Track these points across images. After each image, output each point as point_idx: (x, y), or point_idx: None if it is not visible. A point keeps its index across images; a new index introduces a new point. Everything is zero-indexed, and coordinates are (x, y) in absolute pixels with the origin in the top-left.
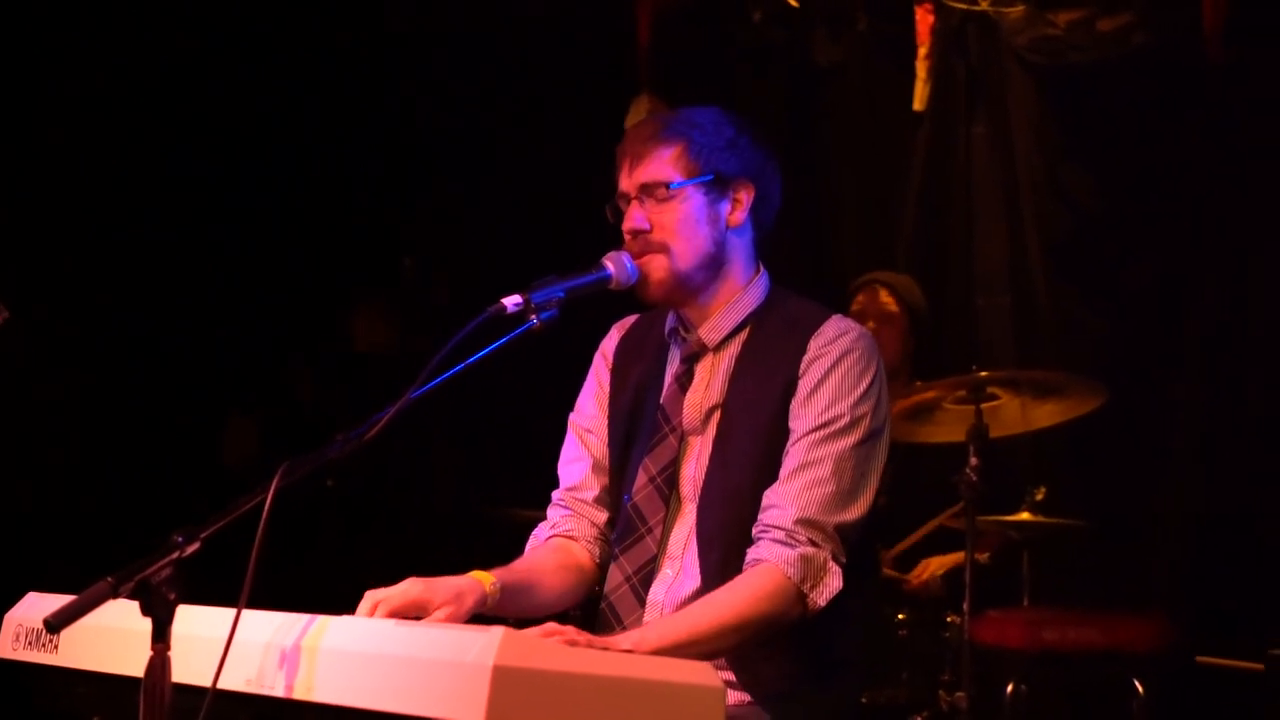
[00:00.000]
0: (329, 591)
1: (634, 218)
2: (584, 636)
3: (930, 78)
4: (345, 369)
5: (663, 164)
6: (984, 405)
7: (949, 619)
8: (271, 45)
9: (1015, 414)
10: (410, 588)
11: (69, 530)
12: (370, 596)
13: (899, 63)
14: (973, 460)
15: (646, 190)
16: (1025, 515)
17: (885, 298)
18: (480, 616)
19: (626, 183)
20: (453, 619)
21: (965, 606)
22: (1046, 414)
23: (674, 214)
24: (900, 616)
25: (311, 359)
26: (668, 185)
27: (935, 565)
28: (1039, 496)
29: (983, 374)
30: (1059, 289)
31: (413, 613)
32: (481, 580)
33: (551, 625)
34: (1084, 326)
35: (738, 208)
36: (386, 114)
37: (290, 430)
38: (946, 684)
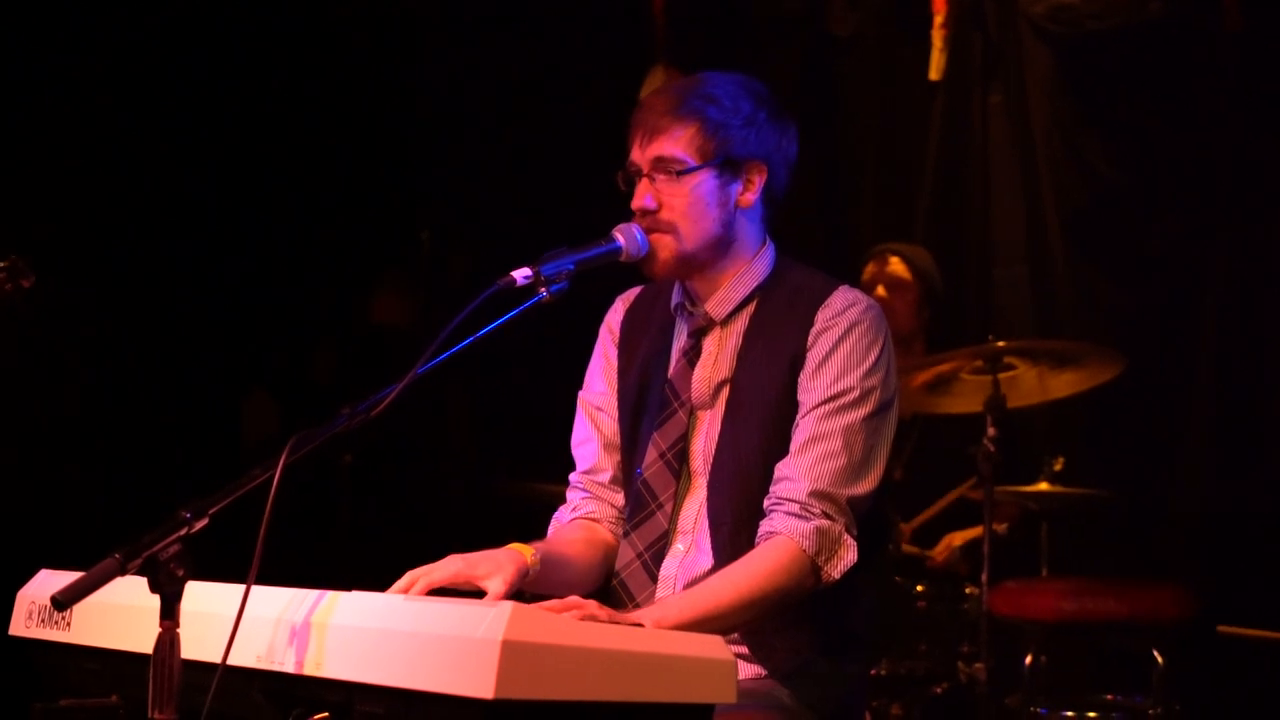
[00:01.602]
0: (343, 567)
1: (643, 196)
2: (605, 611)
3: (946, 47)
4: (364, 345)
5: (676, 143)
6: (1001, 375)
7: (968, 590)
8: (292, 22)
9: (1033, 384)
10: (452, 564)
11: (89, 508)
12: (412, 574)
13: (915, 32)
14: (990, 431)
15: (658, 167)
16: (1044, 486)
17: (896, 265)
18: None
19: (639, 155)
20: (502, 589)
21: (984, 578)
22: (1064, 384)
23: (684, 195)
24: (919, 588)
25: (330, 335)
26: (680, 167)
27: (957, 539)
28: (1057, 467)
29: (1000, 344)
30: (1076, 258)
31: (455, 588)
32: (522, 552)
33: (574, 599)
34: (1102, 296)
35: (749, 189)
36: (402, 89)
37: (310, 407)
38: (965, 655)
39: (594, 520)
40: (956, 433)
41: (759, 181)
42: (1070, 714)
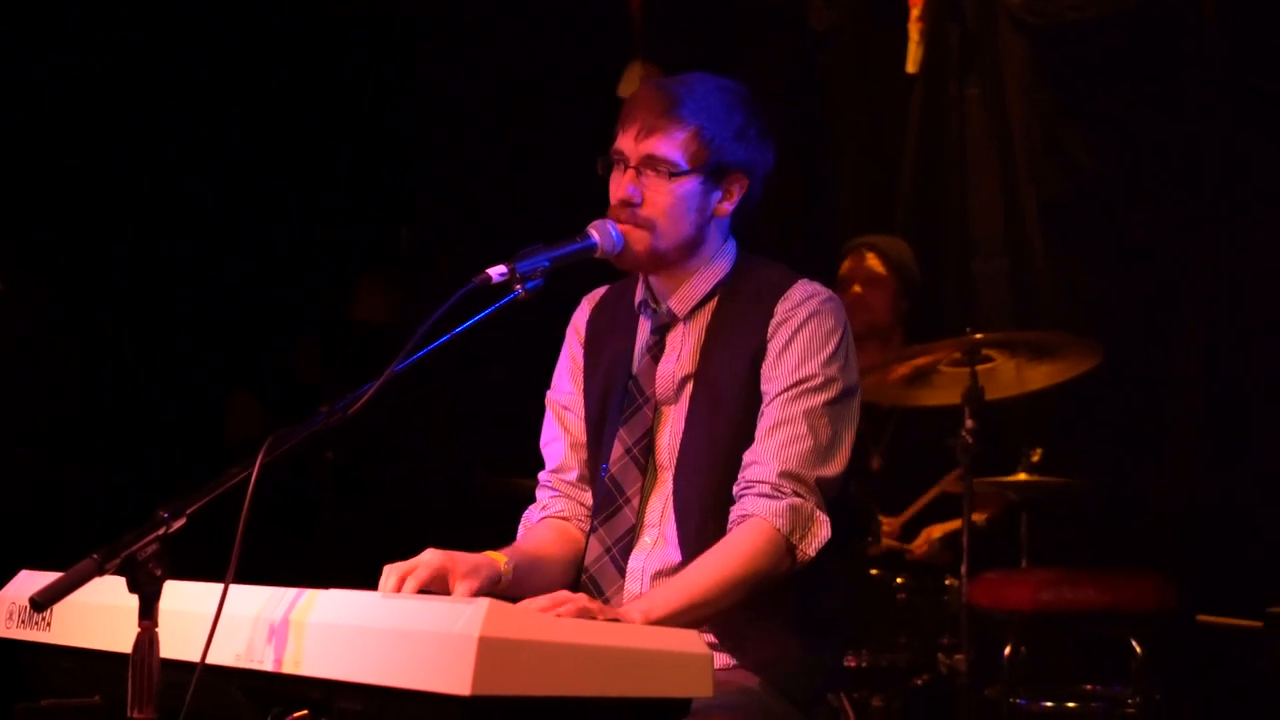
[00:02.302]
0: (326, 563)
1: (627, 188)
2: (595, 604)
3: (923, 40)
4: (347, 342)
5: (673, 144)
6: (979, 368)
7: (948, 582)
8: (270, 19)
9: (1011, 376)
10: (433, 558)
11: (72, 508)
12: (392, 570)
13: (892, 26)
14: (969, 423)
15: (648, 163)
16: (1022, 476)
17: (872, 260)
18: None
19: (629, 146)
20: (470, 594)
21: (963, 569)
22: (1042, 375)
23: (669, 196)
24: (899, 580)
25: (312, 334)
26: (671, 169)
27: (936, 532)
28: (1035, 458)
29: (977, 336)
30: (1055, 250)
31: (438, 583)
32: (496, 560)
33: (563, 594)
34: (1081, 287)
35: (728, 199)
36: (382, 87)
37: (293, 405)
38: (946, 647)
39: (564, 519)
40: (935, 425)
41: (738, 193)
42: (1050, 704)
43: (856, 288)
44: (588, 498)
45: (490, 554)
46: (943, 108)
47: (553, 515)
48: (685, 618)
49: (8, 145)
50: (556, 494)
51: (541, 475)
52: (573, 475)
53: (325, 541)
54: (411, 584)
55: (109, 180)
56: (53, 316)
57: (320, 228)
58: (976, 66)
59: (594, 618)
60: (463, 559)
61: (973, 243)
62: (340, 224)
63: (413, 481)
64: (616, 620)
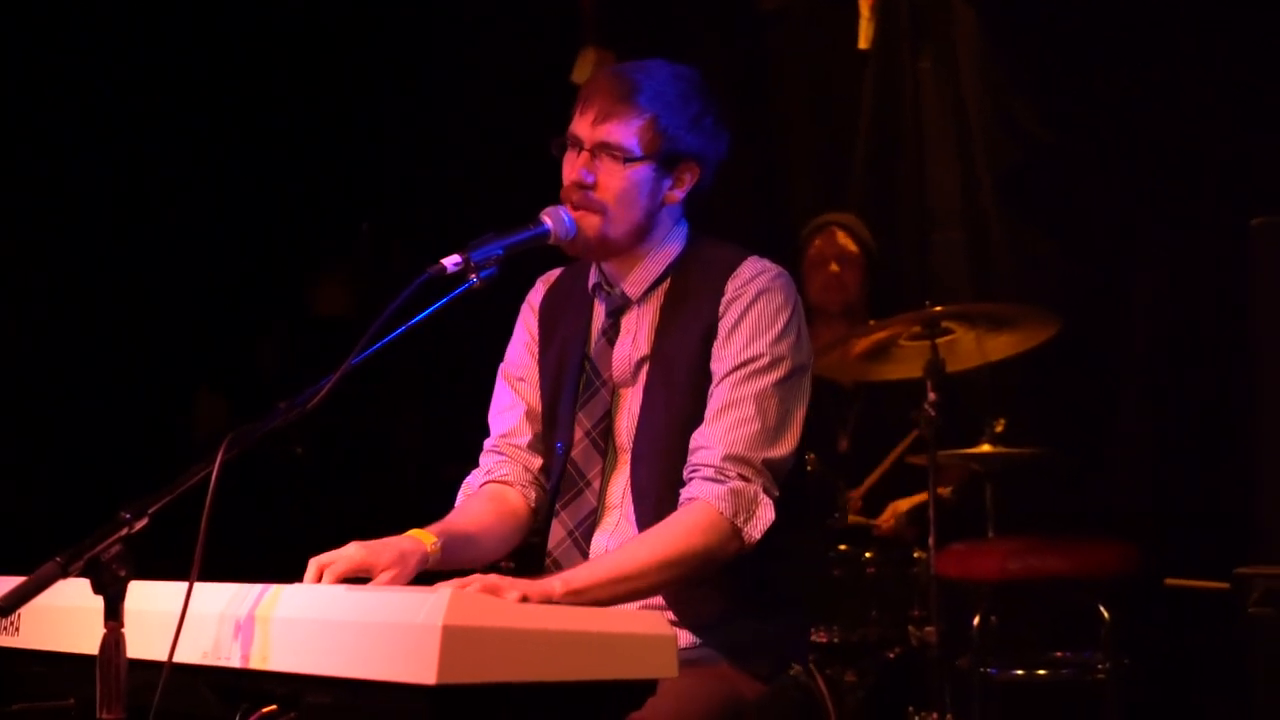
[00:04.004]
0: (300, 559)
1: (580, 170)
2: (503, 580)
3: (874, 15)
4: (307, 337)
5: (629, 130)
6: (939, 340)
7: (915, 555)
8: (230, 19)
9: (971, 347)
10: (354, 551)
11: (42, 511)
12: (315, 562)
13: (841, 2)
14: (931, 395)
15: (603, 148)
16: (986, 448)
17: (843, 238)
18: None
19: (585, 131)
20: (397, 580)
21: (930, 541)
22: (1002, 346)
23: (622, 181)
24: (867, 555)
25: (273, 329)
26: (627, 154)
27: (902, 506)
28: (999, 428)
29: (936, 309)
30: (1011, 219)
31: (358, 575)
32: (422, 540)
33: (475, 576)
34: (1037, 257)
35: (679, 186)
36: (339, 83)
37: (259, 402)
38: (916, 619)
39: (505, 483)
40: (899, 399)
41: (689, 181)
42: (1020, 672)
43: (834, 266)
44: (535, 463)
45: (416, 533)
46: (896, 81)
47: (495, 479)
48: (609, 590)
49: None
50: (502, 458)
51: (487, 442)
52: (523, 440)
53: (298, 537)
54: (328, 577)
55: (69, 182)
56: (14, 319)
57: (280, 225)
58: (928, 39)
59: (498, 593)
60: (387, 547)
61: (930, 215)
62: (300, 221)
63: (383, 474)
64: (528, 595)
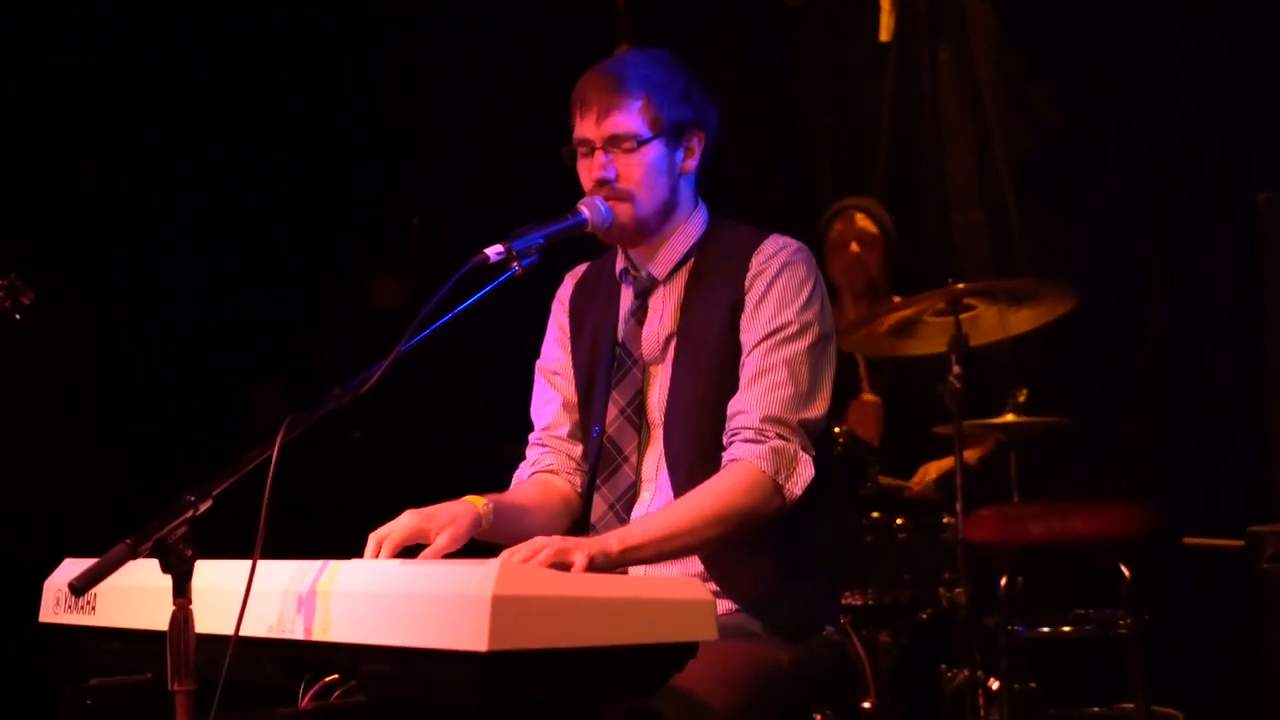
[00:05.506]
0: (358, 539)
1: (602, 168)
2: (569, 541)
3: (894, 9)
4: (363, 329)
5: (632, 117)
6: (962, 316)
7: (945, 520)
8: (284, 14)
9: (993, 322)
10: (409, 520)
11: (114, 498)
12: (374, 537)
13: None
14: (955, 369)
15: (614, 142)
16: (1010, 417)
17: (863, 221)
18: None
19: (592, 131)
20: (453, 540)
21: (958, 507)
22: (1022, 320)
23: (639, 165)
24: (898, 522)
25: (330, 322)
26: (637, 139)
27: (932, 470)
28: (1021, 398)
29: (959, 286)
30: (1028, 202)
31: (415, 542)
32: (475, 504)
33: (539, 539)
34: (1054, 235)
35: (690, 156)
36: (388, 79)
37: (317, 391)
38: (946, 582)
39: (551, 473)
40: (926, 373)
41: (698, 148)
42: (1046, 630)
43: (854, 247)
44: (576, 451)
45: (469, 498)
46: (915, 72)
47: (541, 470)
48: (661, 546)
49: (34, 149)
50: (545, 449)
51: (531, 436)
52: (563, 431)
53: (361, 519)
54: (387, 548)
55: (135, 189)
56: (87, 318)
57: (335, 222)
58: (946, 31)
59: (569, 558)
60: (440, 511)
61: (950, 198)
62: (354, 217)
63: (442, 456)
64: (591, 552)
